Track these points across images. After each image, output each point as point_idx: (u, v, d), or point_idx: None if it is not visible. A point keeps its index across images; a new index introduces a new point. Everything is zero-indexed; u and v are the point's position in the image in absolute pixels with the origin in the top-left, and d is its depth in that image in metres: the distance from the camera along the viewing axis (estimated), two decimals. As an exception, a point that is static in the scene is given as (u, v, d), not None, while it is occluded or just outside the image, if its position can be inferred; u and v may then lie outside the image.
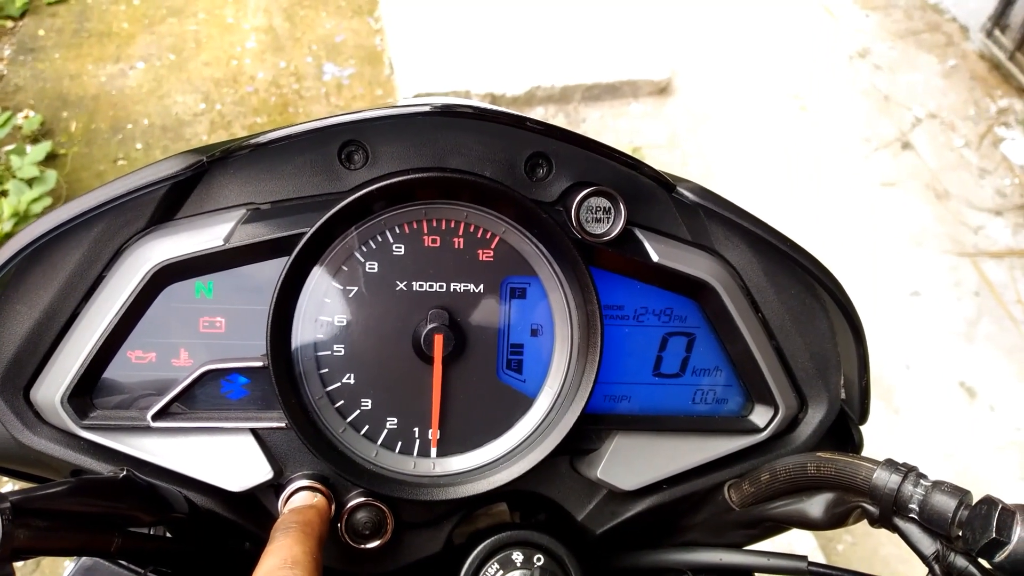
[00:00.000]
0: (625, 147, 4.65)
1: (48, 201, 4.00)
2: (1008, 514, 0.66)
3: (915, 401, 3.79)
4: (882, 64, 5.58)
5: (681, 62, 5.30)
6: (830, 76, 5.44)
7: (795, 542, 3.05)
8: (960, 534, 0.71)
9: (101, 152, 4.48)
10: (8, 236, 3.79)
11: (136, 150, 4.50)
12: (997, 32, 5.55)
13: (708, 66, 5.36)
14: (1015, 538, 0.65)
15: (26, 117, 4.56)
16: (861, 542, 3.31)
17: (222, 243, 0.84)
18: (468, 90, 4.71)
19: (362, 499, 0.92)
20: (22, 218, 3.85)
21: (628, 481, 0.95)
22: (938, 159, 4.99)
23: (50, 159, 4.31)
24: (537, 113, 4.88)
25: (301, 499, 0.90)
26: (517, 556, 0.92)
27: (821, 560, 2.92)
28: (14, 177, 4.05)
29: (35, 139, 4.44)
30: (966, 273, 4.40)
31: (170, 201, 0.87)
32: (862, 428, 1.02)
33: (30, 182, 4.05)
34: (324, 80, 5.00)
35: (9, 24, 5.14)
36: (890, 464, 0.77)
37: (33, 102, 4.70)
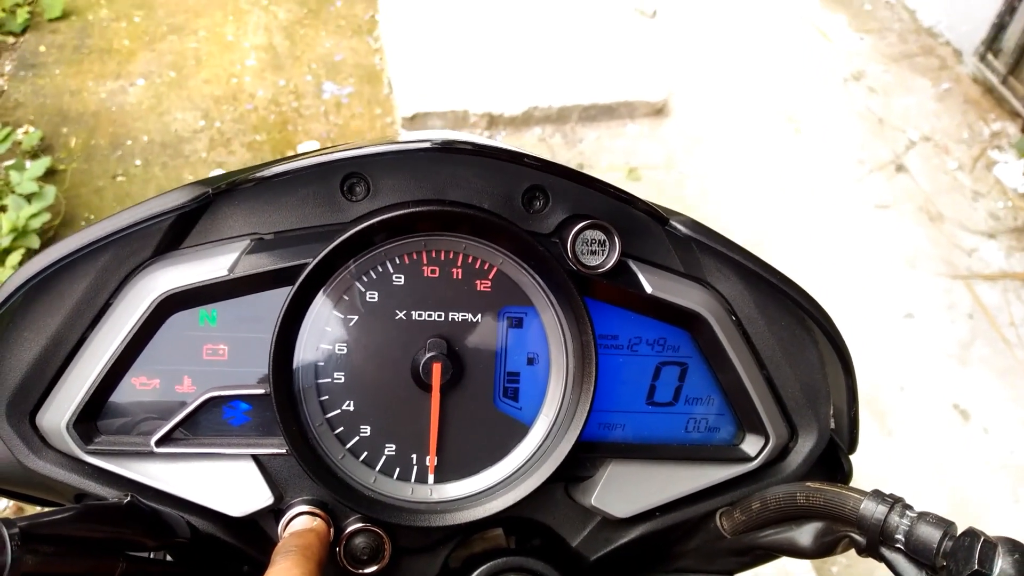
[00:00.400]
0: (621, 168, 4.69)
1: (47, 217, 4.01)
2: (990, 546, 0.68)
3: (909, 423, 3.81)
4: (876, 87, 5.64)
5: (677, 84, 5.34)
6: (824, 99, 5.49)
7: (790, 563, 3.06)
8: (944, 564, 0.73)
9: (100, 168, 4.50)
10: (6, 252, 3.80)
11: (135, 166, 4.52)
12: (990, 56, 5.62)
13: (704, 88, 5.41)
14: (996, 570, 0.67)
15: (26, 132, 4.58)
16: (856, 564, 3.32)
17: (226, 273, 0.86)
18: (466, 110, 4.75)
19: (360, 524, 0.94)
20: (20, 233, 3.87)
21: (622, 509, 0.97)
22: (932, 182, 5.04)
23: (49, 175, 4.33)
24: (534, 133, 4.92)
25: (301, 523, 0.91)
26: (512, 582, 0.93)
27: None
28: (13, 192, 4.07)
29: (35, 155, 4.46)
30: (960, 295, 4.43)
31: (176, 231, 0.89)
32: (851, 457, 1.03)
33: (29, 197, 4.06)
34: (323, 98, 5.04)
35: (10, 40, 5.17)
36: (877, 495, 0.79)
37: (33, 118, 4.73)
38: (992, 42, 5.58)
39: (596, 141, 4.96)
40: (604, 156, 4.85)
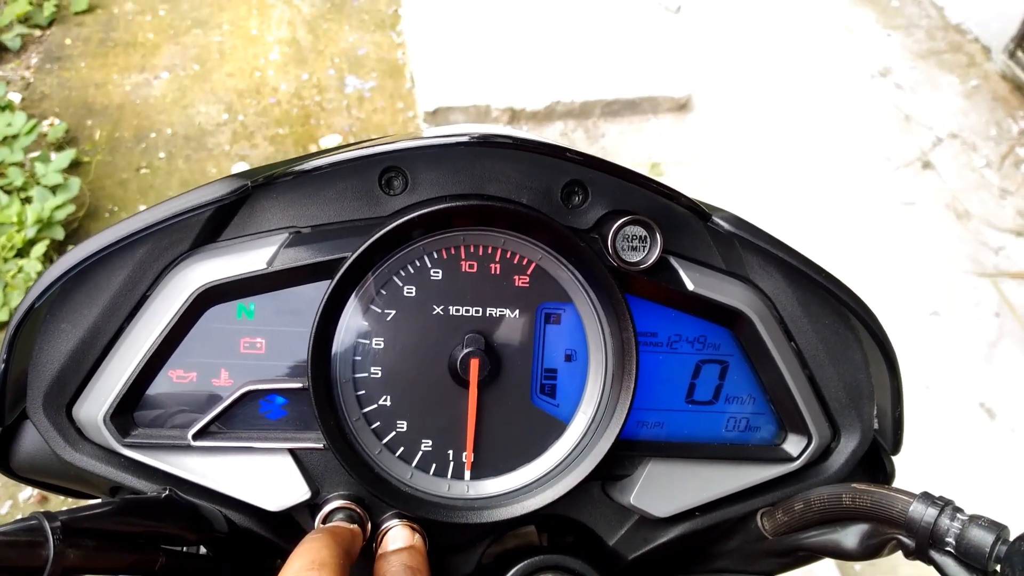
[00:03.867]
0: (644, 163, 4.66)
1: (71, 208, 4.04)
2: (1047, 552, 0.67)
3: (934, 422, 3.76)
4: (903, 84, 5.57)
5: (701, 80, 5.30)
6: (851, 95, 5.43)
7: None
8: (997, 569, 0.71)
9: (124, 160, 4.52)
10: (32, 242, 3.83)
11: (159, 159, 4.54)
12: (1020, 53, 5.53)
13: (728, 84, 5.37)
14: (1055, 577, 0.65)
15: (51, 124, 4.61)
16: (879, 563, 3.29)
17: (265, 266, 0.86)
18: (488, 104, 4.73)
19: (397, 520, 0.93)
20: (45, 224, 3.90)
21: (661, 508, 0.96)
22: (959, 179, 4.97)
23: (74, 167, 4.36)
24: (556, 128, 4.90)
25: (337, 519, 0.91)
26: (550, 581, 0.92)
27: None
28: (38, 184, 4.10)
29: (60, 146, 4.49)
30: (986, 294, 4.37)
31: (214, 224, 0.88)
32: (894, 458, 1.02)
33: (54, 189, 4.09)
34: (346, 92, 5.04)
35: (37, 33, 5.20)
36: (926, 497, 0.78)
37: (58, 110, 4.75)
38: (1021, 39, 5.49)
39: (619, 136, 4.94)
40: (626, 151, 4.82)
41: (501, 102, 4.76)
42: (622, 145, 4.87)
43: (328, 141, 4.70)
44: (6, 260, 3.78)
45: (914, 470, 3.71)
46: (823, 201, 4.74)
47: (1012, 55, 5.57)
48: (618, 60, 5.14)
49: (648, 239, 0.89)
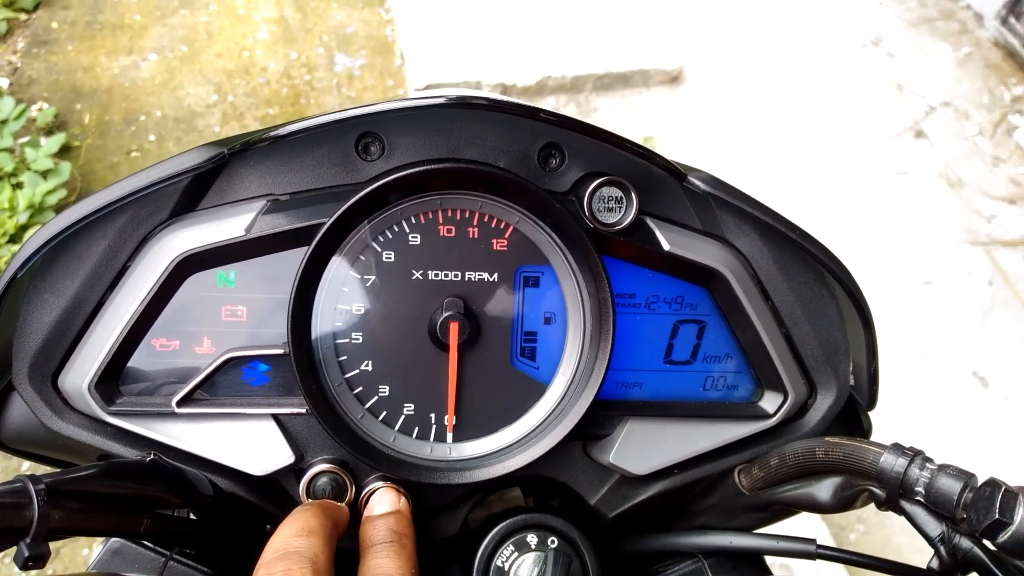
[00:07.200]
0: (637, 137, 4.65)
1: (63, 193, 4.04)
2: (1011, 496, 0.68)
3: (927, 390, 3.79)
4: (895, 52, 5.55)
5: (692, 51, 5.28)
6: (842, 64, 5.42)
7: (808, 530, 3.06)
8: (965, 516, 0.73)
9: (115, 144, 4.51)
10: (24, 228, 3.83)
11: (149, 142, 4.53)
12: (1012, 19, 5.51)
13: (719, 55, 5.35)
14: (1017, 519, 0.67)
15: (40, 109, 4.59)
16: (873, 531, 3.32)
17: (243, 233, 0.86)
18: (479, 80, 4.72)
19: (381, 483, 0.94)
20: (37, 210, 3.89)
21: (640, 466, 0.97)
22: (951, 147, 4.97)
23: (64, 151, 4.35)
24: (548, 103, 4.88)
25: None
26: (531, 538, 0.94)
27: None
28: (29, 169, 4.09)
29: (49, 131, 4.47)
30: (979, 262, 4.39)
31: (192, 192, 0.89)
32: (871, 414, 1.03)
33: (45, 174, 4.09)
34: (335, 71, 5.02)
35: (23, 17, 5.17)
36: (897, 448, 0.79)
37: (47, 94, 4.73)
38: (1014, 5, 5.47)
39: (611, 110, 4.92)
40: (619, 125, 4.81)
41: (492, 78, 4.74)
42: (614, 119, 4.87)
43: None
44: (-1, 246, 3.78)
45: (908, 439, 3.71)
46: (816, 171, 4.74)
47: (1004, 21, 5.55)
48: (609, 33, 5.12)
49: (624, 200, 0.90)
